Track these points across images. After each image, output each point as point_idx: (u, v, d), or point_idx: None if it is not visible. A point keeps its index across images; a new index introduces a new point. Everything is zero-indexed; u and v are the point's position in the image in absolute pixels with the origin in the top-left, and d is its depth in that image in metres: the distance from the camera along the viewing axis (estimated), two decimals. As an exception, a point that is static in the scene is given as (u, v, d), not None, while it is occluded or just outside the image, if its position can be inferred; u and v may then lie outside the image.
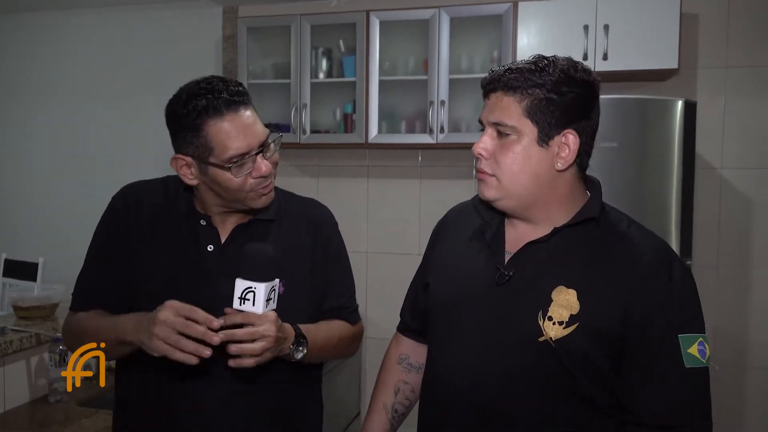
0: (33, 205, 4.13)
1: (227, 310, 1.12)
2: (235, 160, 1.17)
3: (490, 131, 1.10)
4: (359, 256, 3.42)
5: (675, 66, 2.68)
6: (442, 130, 2.98)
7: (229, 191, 1.21)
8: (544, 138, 1.06)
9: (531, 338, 1.06)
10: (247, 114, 1.19)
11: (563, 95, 1.06)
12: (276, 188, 1.35)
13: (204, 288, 1.22)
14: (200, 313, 1.09)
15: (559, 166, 1.08)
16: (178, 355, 1.08)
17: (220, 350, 1.14)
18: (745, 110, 2.92)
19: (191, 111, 1.17)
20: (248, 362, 1.12)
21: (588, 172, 1.17)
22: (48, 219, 4.07)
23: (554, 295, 1.07)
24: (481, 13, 2.95)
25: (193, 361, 1.08)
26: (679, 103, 2.48)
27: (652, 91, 2.95)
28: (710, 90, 2.94)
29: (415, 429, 1.25)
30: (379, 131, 3.09)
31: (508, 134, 1.07)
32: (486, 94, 1.12)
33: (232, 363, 1.11)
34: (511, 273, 1.11)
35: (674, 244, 2.48)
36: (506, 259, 1.14)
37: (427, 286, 1.27)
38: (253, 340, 1.10)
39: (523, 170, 1.07)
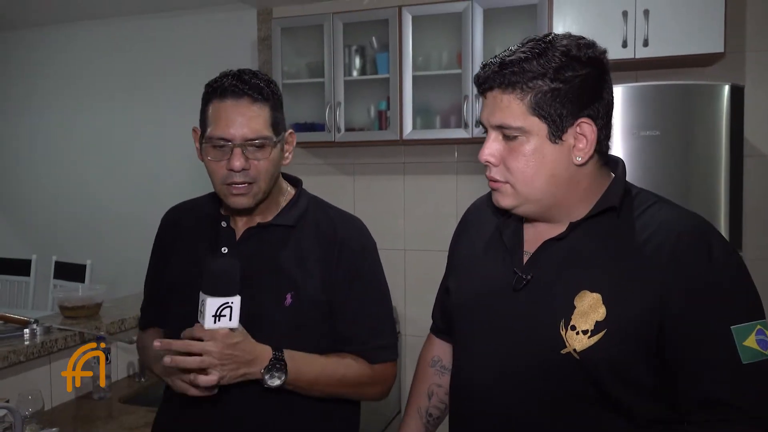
0: (82, 209, 4.28)
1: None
2: (215, 141, 1.18)
3: (494, 134, 1.00)
4: (397, 253, 3.41)
5: (721, 50, 2.56)
6: (477, 124, 2.93)
7: (211, 177, 1.22)
8: (557, 133, 0.96)
9: (553, 351, 0.97)
10: (251, 108, 1.18)
11: (569, 81, 0.94)
12: (311, 197, 1.34)
13: None
14: (176, 343, 1.11)
15: (579, 160, 0.97)
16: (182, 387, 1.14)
17: None
18: (798, 94, 2.78)
19: (208, 86, 1.22)
20: (202, 379, 1.08)
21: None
22: (96, 222, 4.21)
23: (577, 301, 0.96)
24: (515, 3, 2.89)
25: (192, 392, 1.12)
26: (726, 88, 2.37)
27: (697, 77, 2.84)
28: (759, 73, 2.80)
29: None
30: (414, 127, 3.07)
31: (515, 136, 0.97)
32: (482, 93, 1.01)
33: (192, 378, 1.10)
34: (529, 277, 1.02)
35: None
36: (525, 260, 1.05)
37: (448, 289, 1.22)
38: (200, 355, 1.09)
39: (539, 173, 0.97)
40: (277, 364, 1.13)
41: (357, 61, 3.21)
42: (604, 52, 1.00)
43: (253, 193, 1.21)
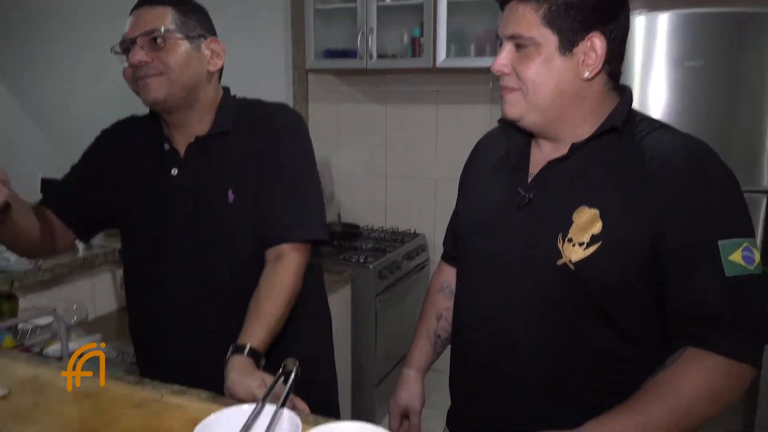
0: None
1: None
2: (119, 47, 1.23)
3: (508, 46, 1.03)
4: (428, 182, 3.42)
5: (778, -27, 2.39)
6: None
7: (127, 84, 1.25)
8: (567, 45, 0.99)
9: (550, 262, 1.01)
10: (150, 10, 1.22)
11: None
12: (238, 99, 1.35)
13: (171, 211, 1.27)
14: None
15: (586, 74, 1.00)
16: None
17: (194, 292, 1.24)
18: None
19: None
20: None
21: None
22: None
23: (575, 216, 1.01)
24: None
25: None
26: (778, 16, 2.23)
27: (746, 4, 2.67)
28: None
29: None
30: (447, 55, 3.00)
31: (526, 46, 1.00)
32: (501, 5, 1.05)
33: None
34: (531, 195, 1.07)
35: (768, 175, 2.30)
36: (529, 181, 1.09)
37: (458, 214, 1.26)
38: None
39: (546, 82, 1.01)
40: (255, 354, 1.14)
41: (391, -15, 3.12)
42: None
43: (161, 84, 1.21)
